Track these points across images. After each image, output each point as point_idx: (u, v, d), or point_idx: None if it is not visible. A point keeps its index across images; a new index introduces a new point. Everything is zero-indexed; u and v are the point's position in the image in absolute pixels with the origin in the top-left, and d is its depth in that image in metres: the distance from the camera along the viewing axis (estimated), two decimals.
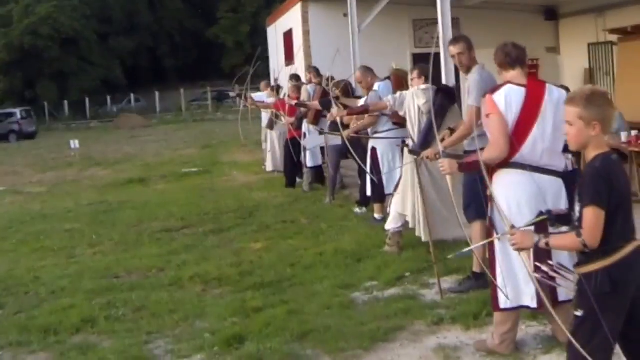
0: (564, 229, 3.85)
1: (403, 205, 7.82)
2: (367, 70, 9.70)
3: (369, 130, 9.24)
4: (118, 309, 6.98)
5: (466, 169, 5.20)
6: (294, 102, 12.32)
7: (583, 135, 3.60)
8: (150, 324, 6.46)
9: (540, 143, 4.79)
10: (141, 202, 13.98)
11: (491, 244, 4.97)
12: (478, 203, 5.68)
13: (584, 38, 16.49)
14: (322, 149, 12.01)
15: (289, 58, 20.27)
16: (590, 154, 3.62)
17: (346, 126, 9.80)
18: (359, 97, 10.24)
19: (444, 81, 8.90)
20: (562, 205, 4.66)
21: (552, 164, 4.84)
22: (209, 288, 7.48)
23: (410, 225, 7.81)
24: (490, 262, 5.01)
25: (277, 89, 15.24)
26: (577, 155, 5.54)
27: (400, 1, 15.40)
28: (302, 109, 12.17)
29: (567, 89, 5.72)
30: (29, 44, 52.32)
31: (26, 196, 17.66)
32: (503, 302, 4.92)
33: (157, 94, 55.57)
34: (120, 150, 28.32)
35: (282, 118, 13.42)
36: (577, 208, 3.64)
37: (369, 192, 9.44)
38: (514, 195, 4.81)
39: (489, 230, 5.04)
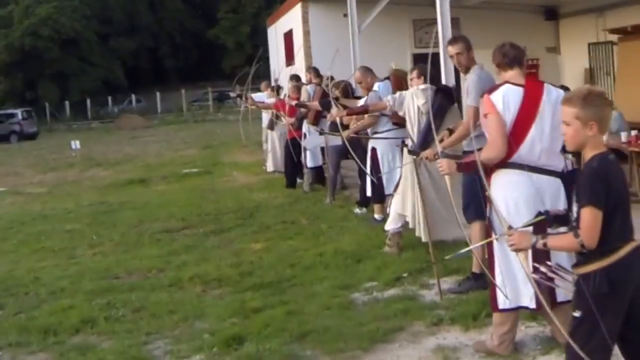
0: (563, 229, 3.85)
1: (403, 206, 7.81)
2: (367, 71, 9.69)
3: (369, 130, 9.24)
4: (118, 309, 6.99)
5: (465, 169, 5.20)
6: (293, 103, 12.31)
7: (580, 136, 3.60)
8: (150, 324, 6.47)
9: (538, 143, 4.79)
10: (141, 203, 13.99)
11: (490, 245, 4.97)
12: (477, 203, 5.68)
13: (584, 38, 16.49)
14: (322, 149, 12.01)
15: (289, 58, 20.28)
16: (588, 154, 3.61)
17: (346, 126, 9.80)
18: (359, 98, 10.23)
19: (443, 81, 8.90)
20: (561, 205, 4.65)
21: (550, 164, 4.83)
22: (208, 288, 7.48)
23: (410, 226, 7.80)
24: (489, 262, 5.01)
25: (277, 89, 15.24)
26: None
27: (401, 1, 15.42)
28: (302, 110, 12.17)
29: (567, 89, 5.70)
30: (30, 44, 52.33)
31: (27, 197, 17.65)
32: (502, 303, 4.92)
33: (158, 94, 55.55)
34: (121, 151, 28.33)
35: (283, 118, 13.42)
36: (574, 208, 3.64)
37: (368, 193, 9.44)
38: (512, 196, 4.80)
39: (488, 230, 5.03)
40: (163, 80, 61.27)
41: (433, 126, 5.76)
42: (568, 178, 4.87)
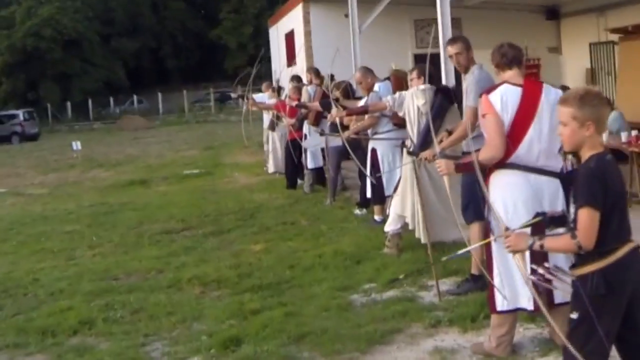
0: (561, 230, 3.82)
1: (402, 207, 7.79)
2: (367, 71, 9.67)
3: (369, 131, 9.22)
4: (116, 310, 6.97)
5: (463, 170, 5.18)
6: (294, 104, 12.30)
7: (577, 136, 3.58)
8: (148, 326, 6.45)
9: (536, 144, 4.77)
10: (142, 204, 13.97)
11: (488, 246, 4.94)
12: (476, 204, 5.67)
13: (585, 38, 16.47)
14: (323, 150, 11.99)
15: (291, 59, 20.28)
16: (585, 154, 3.59)
17: (346, 127, 9.78)
18: (359, 98, 10.21)
19: (443, 82, 8.87)
20: (560, 206, 4.61)
21: (549, 164, 4.81)
22: (207, 290, 7.46)
23: (410, 227, 7.79)
24: (488, 264, 4.99)
25: (278, 90, 15.22)
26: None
27: (402, 1, 15.41)
28: (303, 110, 12.15)
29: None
30: (32, 45, 52.37)
31: (27, 198, 17.65)
32: (500, 305, 4.90)
33: (159, 95, 55.56)
34: (122, 152, 28.35)
35: (284, 119, 13.40)
36: (572, 209, 3.62)
37: (368, 194, 9.41)
38: (511, 196, 4.78)
39: (488, 231, 5.01)
40: (165, 80, 61.30)
41: (432, 127, 5.73)
42: (567, 179, 4.84)
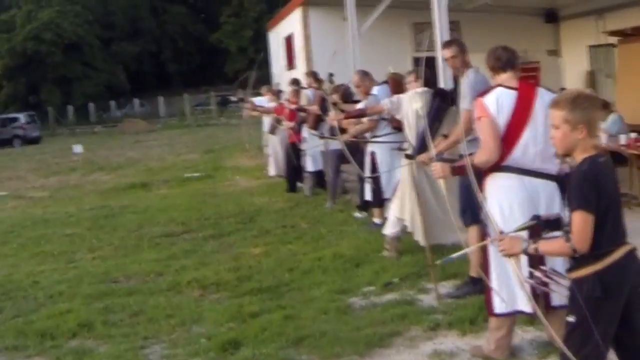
0: (558, 234, 3.83)
1: (401, 210, 7.80)
2: (365, 75, 9.69)
3: (368, 134, 9.23)
4: (115, 313, 6.99)
5: (459, 173, 5.18)
6: (293, 107, 12.31)
7: (569, 139, 3.58)
8: (147, 328, 6.46)
9: (532, 146, 4.77)
10: (142, 207, 13.98)
11: (486, 249, 4.94)
12: (474, 207, 5.67)
13: (585, 40, 16.47)
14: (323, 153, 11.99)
15: (290, 62, 20.29)
16: (578, 157, 3.59)
17: (345, 130, 9.79)
18: (357, 102, 10.22)
19: (441, 85, 8.89)
20: (556, 209, 4.62)
21: (545, 167, 4.81)
22: (206, 293, 7.47)
23: (409, 230, 7.80)
24: (485, 266, 4.99)
25: (278, 93, 15.22)
26: None
27: (401, 5, 15.40)
28: (302, 114, 12.16)
29: None
30: (32, 49, 52.50)
31: (28, 201, 17.67)
32: (498, 307, 4.90)
33: (161, 99, 55.61)
34: (123, 155, 28.38)
35: (284, 123, 13.41)
36: (566, 212, 3.63)
37: (367, 197, 9.42)
38: (506, 199, 4.79)
39: (485, 234, 5.01)
40: (166, 84, 61.39)
41: (428, 130, 5.73)
42: (564, 181, 4.85)
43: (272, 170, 15.16)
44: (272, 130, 14.55)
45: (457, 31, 16.25)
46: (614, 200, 3.59)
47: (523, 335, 5.33)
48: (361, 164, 9.33)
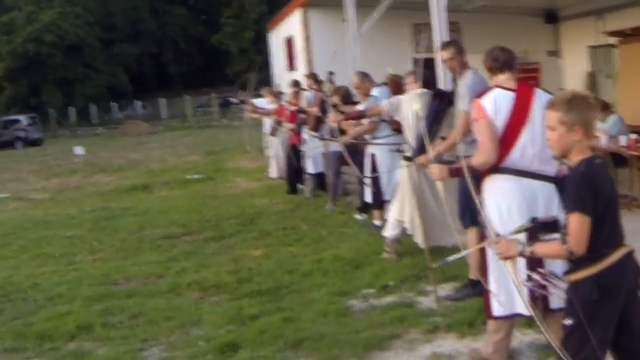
0: (556, 236, 3.82)
1: (401, 212, 7.80)
2: (365, 76, 9.69)
3: (368, 136, 9.22)
4: (114, 315, 6.99)
5: (456, 175, 5.17)
6: (293, 108, 12.31)
7: (565, 140, 3.57)
8: (146, 331, 6.45)
9: (530, 148, 4.76)
10: (143, 209, 13.99)
11: (484, 251, 4.93)
12: (473, 209, 5.65)
13: (585, 41, 16.44)
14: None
15: (291, 64, 20.28)
16: (574, 159, 3.58)
17: (345, 132, 9.79)
18: (357, 103, 10.22)
19: (441, 86, 8.88)
20: (554, 210, 4.61)
21: (543, 169, 4.79)
22: (206, 295, 7.47)
23: (409, 232, 7.80)
24: (483, 269, 4.97)
25: (279, 95, 15.22)
26: None
27: (401, 6, 15.37)
28: (302, 115, 12.16)
29: None
30: (33, 51, 52.54)
31: (29, 202, 17.69)
32: (496, 310, 4.88)
33: (162, 100, 55.62)
34: (125, 157, 28.39)
35: (284, 124, 13.41)
36: (563, 214, 3.62)
37: (367, 199, 9.41)
38: (505, 201, 4.78)
39: (484, 237, 5.00)
40: (167, 86, 61.42)
41: (426, 132, 5.73)
42: (562, 183, 4.83)
43: (273, 172, 15.15)
44: (273, 132, 14.55)
45: (456, 32, 16.21)
46: (611, 201, 3.57)
47: (522, 338, 5.32)
48: (361, 166, 9.33)
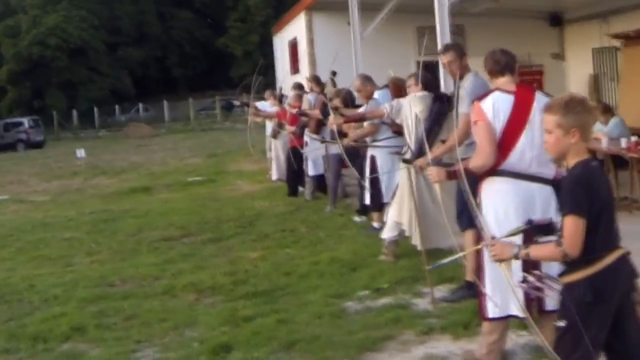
0: (552, 238, 3.77)
1: (399, 214, 7.76)
2: (366, 79, 9.65)
3: (368, 138, 9.18)
4: (109, 317, 6.95)
5: (454, 177, 5.11)
6: (294, 111, 12.28)
7: (562, 143, 3.54)
8: (140, 332, 6.41)
9: (528, 151, 4.70)
10: (143, 211, 13.93)
11: (480, 253, 4.87)
12: (470, 212, 5.59)
13: (589, 44, 16.39)
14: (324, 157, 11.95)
15: (294, 67, 20.27)
16: (570, 161, 3.55)
17: (345, 134, 9.75)
18: (359, 106, 10.17)
19: (442, 89, 8.83)
20: (552, 213, 4.56)
21: (541, 171, 4.74)
22: (201, 297, 7.42)
23: (407, 234, 7.75)
24: (479, 271, 4.92)
25: (281, 98, 15.19)
26: None
27: (405, 9, 15.35)
28: (304, 118, 12.12)
29: None
30: (37, 54, 52.56)
31: (29, 205, 17.66)
32: (491, 312, 4.83)
33: (166, 103, 55.67)
34: (127, 160, 28.40)
35: (286, 127, 13.38)
36: (559, 217, 3.58)
37: (366, 201, 9.37)
38: (502, 203, 4.73)
39: (481, 239, 4.95)
40: (171, 89, 61.43)
41: (424, 134, 5.69)
42: (561, 185, 4.78)
43: (274, 174, 15.12)
44: (274, 135, 14.51)
45: (461, 35, 16.20)
46: (607, 204, 3.55)
47: (517, 339, 5.27)
48: (362, 169, 9.29)
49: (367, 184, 9.10)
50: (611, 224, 3.54)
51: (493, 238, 3.87)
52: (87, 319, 6.88)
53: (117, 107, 57.18)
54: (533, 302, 4.53)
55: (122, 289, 8.04)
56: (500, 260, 3.80)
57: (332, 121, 9.53)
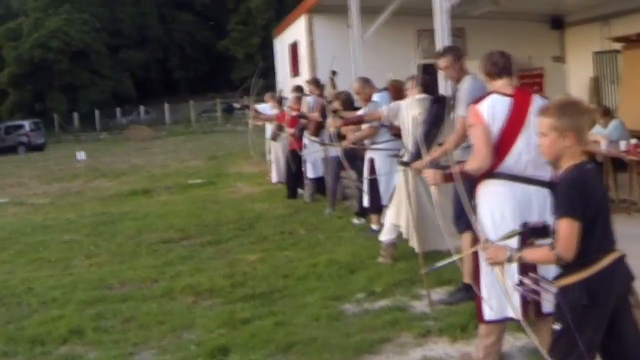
0: (548, 241, 3.76)
1: (397, 217, 7.75)
2: (366, 82, 9.67)
3: (367, 141, 9.18)
4: (107, 319, 6.95)
5: (450, 180, 5.11)
6: (294, 114, 12.27)
7: (557, 146, 3.54)
8: (138, 335, 6.41)
9: (525, 154, 4.70)
10: (142, 214, 13.92)
11: (476, 256, 4.87)
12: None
13: (590, 47, 16.38)
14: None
15: (295, 69, 20.27)
16: (565, 164, 3.55)
17: (344, 137, 9.75)
18: (358, 108, 10.18)
19: (441, 91, 8.83)
20: (548, 216, 4.55)
21: (537, 174, 4.73)
22: (200, 299, 7.42)
23: (404, 236, 7.74)
24: (475, 274, 4.91)
25: (280, 100, 15.19)
26: None
27: (405, 12, 15.34)
28: (303, 120, 12.13)
29: None
30: (39, 57, 52.56)
31: (29, 207, 17.63)
32: (488, 314, 4.82)
33: (167, 105, 55.68)
34: (127, 162, 28.38)
35: (285, 129, 13.37)
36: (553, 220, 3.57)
37: (365, 203, 9.36)
38: (498, 206, 4.72)
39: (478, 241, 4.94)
40: (172, 91, 61.42)
41: (422, 137, 5.68)
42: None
43: (274, 177, 15.12)
44: (274, 137, 14.51)
45: (462, 37, 16.21)
46: (602, 207, 3.54)
47: (513, 342, 5.26)
48: (361, 171, 9.28)
49: (365, 186, 9.10)
50: (607, 227, 3.54)
51: (487, 241, 3.86)
52: (85, 321, 6.88)
53: (118, 109, 57.19)
54: (530, 305, 4.51)
55: (120, 292, 8.04)
56: (495, 264, 3.79)
57: (331, 124, 9.53)
